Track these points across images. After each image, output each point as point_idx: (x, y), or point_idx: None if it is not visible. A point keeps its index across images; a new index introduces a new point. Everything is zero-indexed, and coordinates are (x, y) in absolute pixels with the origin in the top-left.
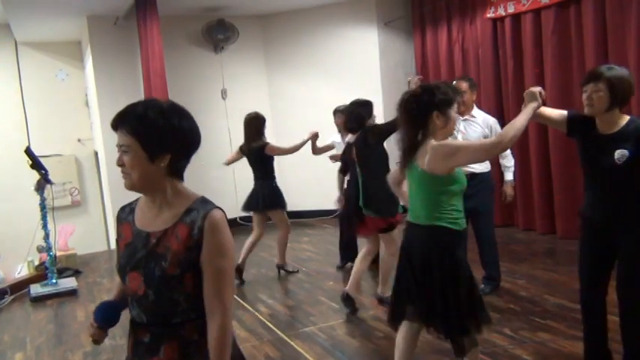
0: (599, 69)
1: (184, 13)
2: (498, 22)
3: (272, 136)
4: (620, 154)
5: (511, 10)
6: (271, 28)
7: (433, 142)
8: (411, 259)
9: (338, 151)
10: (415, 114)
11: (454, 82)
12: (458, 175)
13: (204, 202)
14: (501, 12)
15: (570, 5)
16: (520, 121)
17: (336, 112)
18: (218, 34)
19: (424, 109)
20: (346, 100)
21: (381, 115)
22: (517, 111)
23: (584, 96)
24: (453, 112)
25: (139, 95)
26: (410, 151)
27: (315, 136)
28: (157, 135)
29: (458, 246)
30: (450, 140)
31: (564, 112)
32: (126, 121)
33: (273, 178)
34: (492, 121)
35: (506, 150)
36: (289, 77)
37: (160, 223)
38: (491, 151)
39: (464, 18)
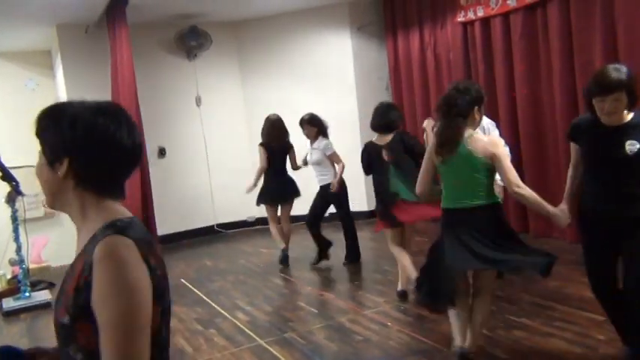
0: (614, 76)
1: (156, 20)
2: (469, 26)
3: (248, 141)
4: (631, 144)
5: (480, 14)
6: (245, 34)
7: (480, 133)
8: (473, 237)
9: (312, 156)
10: (463, 108)
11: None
12: None
13: (109, 227)
14: (471, 16)
15: (537, 9)
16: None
17: (303, 123)
18: (191, 41)
19: (470, 104)
20: (322, 105)
21: (356, 119)
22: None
23: (605, 106)
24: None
25: None
26: (455, 140)
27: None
28: (48, 131)
29: None
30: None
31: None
32: (34, 122)
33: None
34: (487, 121)
35: (514, 194)
36: (264, 83)
37: (76, 254)
38: (510, 180)
39: (435, 22)
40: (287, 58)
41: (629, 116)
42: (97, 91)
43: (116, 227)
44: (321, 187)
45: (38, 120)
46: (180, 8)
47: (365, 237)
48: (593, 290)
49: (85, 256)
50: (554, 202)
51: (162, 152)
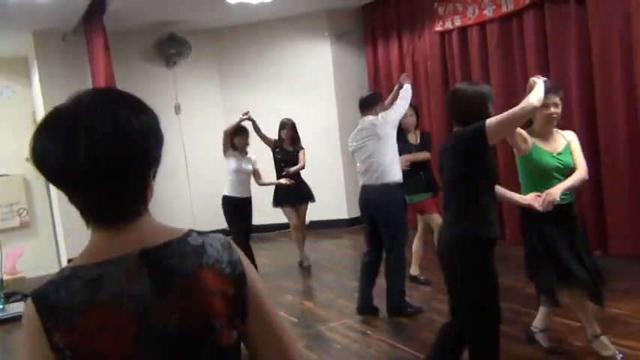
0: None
1: (135, 28)
2: (446, 35)
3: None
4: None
5: (458, 23)
6: (224, 42)
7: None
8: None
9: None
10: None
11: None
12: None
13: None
14: (449, 25)
15: (513, 19)
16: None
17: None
18: (170, 48)
19: None
20: (302, 113)
21: (336, 126)
22: None
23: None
24: None
25: None
26: None
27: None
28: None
29: None
30: None
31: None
32: None
33: None
34: None
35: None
36: (244, 91)
37: None
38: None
39: (413, 31)
40: (267, 66)
41: None
42: None
43: (44, 283)
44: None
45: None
46: (159, 16)
47: (345, 244)
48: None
49: None
50: None
51: None
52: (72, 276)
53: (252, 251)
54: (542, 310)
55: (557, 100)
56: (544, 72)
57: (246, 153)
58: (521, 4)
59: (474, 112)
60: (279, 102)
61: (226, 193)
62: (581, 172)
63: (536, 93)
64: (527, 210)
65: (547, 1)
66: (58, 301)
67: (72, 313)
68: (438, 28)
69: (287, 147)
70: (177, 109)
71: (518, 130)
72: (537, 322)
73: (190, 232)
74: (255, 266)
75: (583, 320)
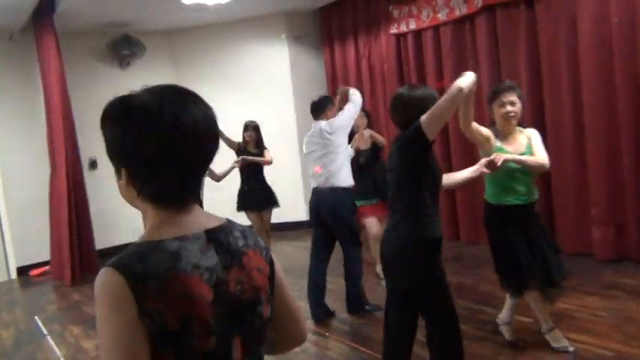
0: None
1: (87, 28)
2: (402, 38)
3: None
4: None
5: (412, 26)
6: (180, 43)
7: None
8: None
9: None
10: None
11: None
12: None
13: (120, 252)
14: (404, 28)
15: (465, 22)
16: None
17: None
18: (123, 49)
19: None
20: (260, 115)
21: (294, 128)
22: None
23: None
24: None
25: (40, 114)
26: None
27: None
28: (105, 140)
29: None
30: None
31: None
32: None
33: None
34: None
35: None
36: (200, 93)
37: None
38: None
39: (369, 34)
40: (224, 67)
41: None
42: (23, 100)
43: (123, 254)
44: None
45: (100, 123)
46: (112, 16)
47: (304, 246)
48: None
49: None
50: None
51: (93, 164)
52: (153, 249)
53: None
54: (509, 302)
55: (513, 98)
56: (496, 73)
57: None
58: (474, 8)
59: (414, 116)
60: (237, 104)
61: None
62: (540, 158)
63: (465, 79)
64: (489, 209)
65: (498, 5)
66: (145, 270)
67: (160, 281)
68: (394, 30)
69: (251, 149)
70: None
71: (480, 128)
72: (503, 315)
73: (229, 220)
74: None
75: (538, 314)
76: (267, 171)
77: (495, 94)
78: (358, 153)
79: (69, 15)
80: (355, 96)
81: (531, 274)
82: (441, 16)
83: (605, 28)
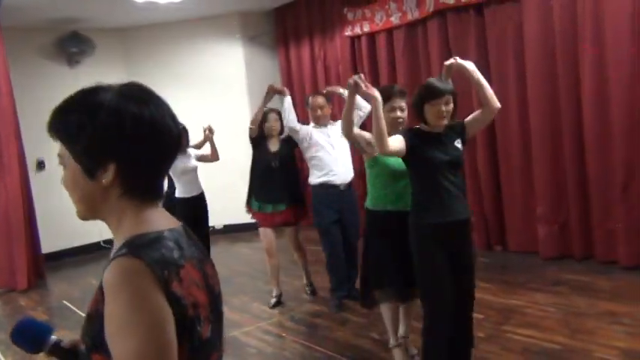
0: (442, 83)
1: (33, 24)
2: (356, 40)
3: None
4: (457, 143)
5: (366, 29)
6: (131, 41)
7: None
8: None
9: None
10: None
11: (310, 98)
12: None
13: (126, 245)
14: (358, 31)
15: (418, 26)
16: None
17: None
18: (72, 47)
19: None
20: (214, 115)
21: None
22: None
23: (440, 108)
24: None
25: None
26: None
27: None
28: (83, 131)
29: None
30: None
31: (400, 137)
32: (51, 119)
33: None
34: None
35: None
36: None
37: None
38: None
39: (324, 35)
40: (177, 66)
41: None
42: None
43: (133, 246)
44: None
45: (63, 116)
46: (60, 12)
47: (261, 247)
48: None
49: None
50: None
51: (41, 165)
52: (162, 237)
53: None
54: (401, 317)
55: (402, 104)
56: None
57: (185, 151)
58: (425, 12)
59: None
60: (191, 104)
61: (177, 195)
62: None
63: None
64: (368, 216)
65: (449, 10)
66: (163, 256)
67: (178, 267)
68: (348, 33)
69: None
70: None
71: (363, 133)
72: (402, 330)
73: None
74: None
75: (388, 326)
76: (224, 171)
77: (386, 98)
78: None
79: (14, 9)
80: (285, 105)
81: (390, 284)
82: (394, 20)
83: (548, 34)
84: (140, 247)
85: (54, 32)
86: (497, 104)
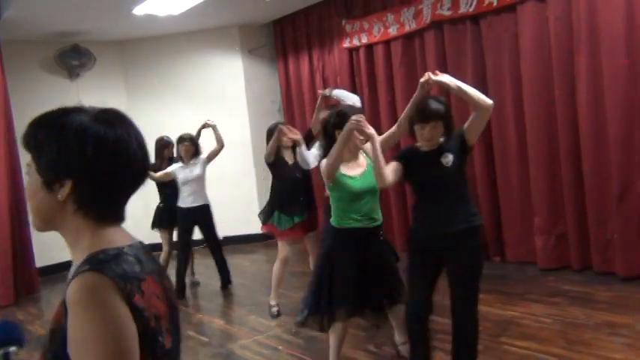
0: (433, 107)
1: (34, 38)
2: (354, 52)
3: None
4: (445, 157)
5: (364, 40)
6: (131, 54)
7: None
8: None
9: (193, 172)
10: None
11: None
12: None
13: (88, 261)
14: (356, 42)
15: (415, 37)
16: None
17: (181, 140)
18: (72, 60)
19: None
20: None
21: (249, 141)
22: None
23: (424, 133)
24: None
25: None
26: None
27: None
28: (48, 146)
29: None
30: None
31: (395, 164)
32: (25, 130)
33: None
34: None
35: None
36: (153, 105)
37: None
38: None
39: (323, 47)
40: (177, 79)
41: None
42: None
43: (95, 261)
44: (193, 208)
45: (34, 129)
46: (61, 26)
47: (259, 259)
48: (413, 318)
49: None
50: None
51: None
52: (123, 254)
53: (225, 261)
54: (394, 324)
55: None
56: (444, 88)
57: (190, 160)
58: (422, 24)
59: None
60: (191, 116)
61: (178, 205)
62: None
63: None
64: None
65: (446, 21)
66: (125, 271)
67: (139, 281)
68: (346, 44)
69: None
70: None
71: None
72: (397, 337)
73: None
74: (229, 277)
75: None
76: (222, 183)
77: (342, 122)
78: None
79: (15, 23)
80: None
81: (341, 303)
82: (392, 32)
83: (544, 45)
84: (102, 262)
85: (54, 45)
86: (488, 102)
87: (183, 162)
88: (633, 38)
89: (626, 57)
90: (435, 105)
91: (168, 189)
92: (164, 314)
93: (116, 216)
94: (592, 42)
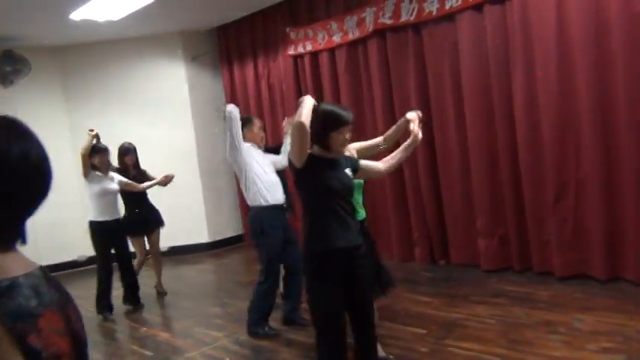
0: (346, 113)
1: None
2: (299, 59)
3: (76, 173)
4: (348, 171)
5: (309, 48)
6: (69, 60)
7: None
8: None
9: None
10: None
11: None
12: None
13: None
14: (301, 50)
15: (358, 45)
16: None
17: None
18: (6, 66)
19: None
20: (157, 136)
21: (193, 148)
22: None
23: (344, 137)
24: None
25: None
26: None
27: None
28: None
29: None
30: None
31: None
32: None
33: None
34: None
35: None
36: (93, 112)
37: None
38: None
39: (268, 54)
40: (118, 87)
41: None
42: None
43: None
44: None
45: None
46: None
47: (206, 269)
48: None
49: None
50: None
51: None
52: (17, 285)
53: (135, 278)
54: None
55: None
56: (387, 92)
57: (108, 172)
58: (365, 32)
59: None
60: (133, 124)
61: (92, 219)
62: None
63: (301, 109)
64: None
65: (388, 30)
66: (18, 307)
67: (35, 317)
68: (291, 52)
69: (132, 173)
70: None
71: None
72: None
73: None
74: (137, 295)
75: None
76: (166, 193)
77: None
78: None
79: None
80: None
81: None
82: (336, 39)
83: (482, 53)
84: None
85: None
86: (390, 170)
87: (122, 173)
88: (563, 48)
89: (557, 66)
90: (344, 110)
91: (134, 196)
92: (66, 351)
93: (11, 240)
94: (526, 51)
